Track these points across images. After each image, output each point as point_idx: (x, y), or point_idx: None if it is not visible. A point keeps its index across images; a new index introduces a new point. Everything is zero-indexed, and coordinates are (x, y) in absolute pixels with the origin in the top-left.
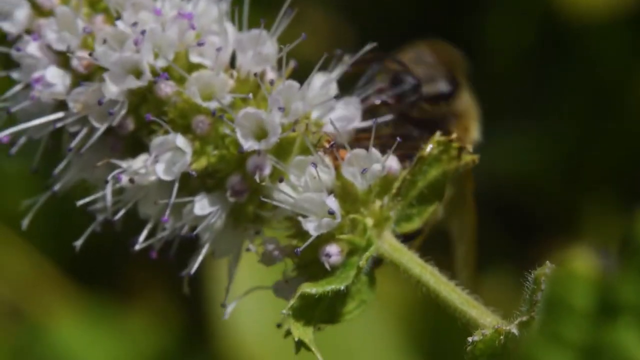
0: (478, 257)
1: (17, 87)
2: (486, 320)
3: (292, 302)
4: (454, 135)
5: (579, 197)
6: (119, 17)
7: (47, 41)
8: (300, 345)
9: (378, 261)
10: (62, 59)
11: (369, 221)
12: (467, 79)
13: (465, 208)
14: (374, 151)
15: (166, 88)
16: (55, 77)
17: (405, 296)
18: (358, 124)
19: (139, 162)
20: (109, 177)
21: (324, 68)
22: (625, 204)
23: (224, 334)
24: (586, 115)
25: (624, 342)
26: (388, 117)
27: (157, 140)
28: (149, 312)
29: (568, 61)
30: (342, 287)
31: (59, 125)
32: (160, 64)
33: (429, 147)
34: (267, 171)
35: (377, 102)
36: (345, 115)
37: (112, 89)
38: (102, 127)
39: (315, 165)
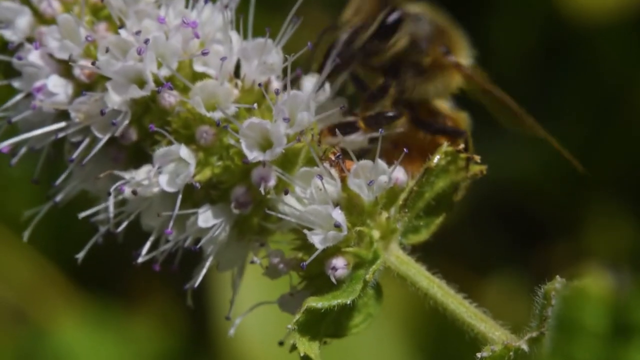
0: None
1: (19, 96)
2: (495, 334)
3: (297, 316)
4: (461, 146)
5: (582, 201)
6: (122, 25)
7: (48, 49)
8: None
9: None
10: (64, 68)
11: (376, 233)
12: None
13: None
14: (380, 162)
15: (170, 98)
16: (57, 87)
17: (411, 300)
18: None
19: (142, 174)
20: (112, 189)
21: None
22: (630, 207)
23: (227, 339)
24: (590, 118)
25: None
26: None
27: (160, 151)
28: (152, 316)
29: (572, 64)
30: (349, 301)
31: (60, 135)
32: (164, 73)
33: (436, 158)
34: (272, 182)
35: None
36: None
37: (114, 99)
38: (104, 138)
39: (321, 177)
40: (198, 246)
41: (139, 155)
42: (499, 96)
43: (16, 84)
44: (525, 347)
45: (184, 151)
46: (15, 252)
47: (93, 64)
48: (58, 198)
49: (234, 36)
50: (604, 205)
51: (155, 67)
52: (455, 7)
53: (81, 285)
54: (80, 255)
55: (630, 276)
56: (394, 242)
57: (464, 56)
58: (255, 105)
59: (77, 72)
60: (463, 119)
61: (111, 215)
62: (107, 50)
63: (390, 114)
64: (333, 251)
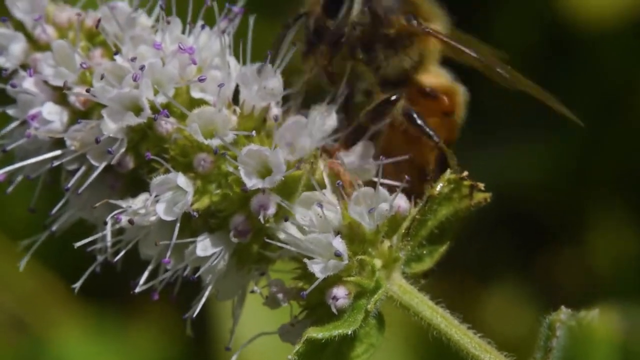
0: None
1: (13, 124)
2: None
3: (298, 347)
4: (465, 174)
5: (586, 206)
6: (117, 51)
7: (43, 76)
8: None
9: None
10: (59, 95)
11: (378, 262)
12: None
13: None
14: (382, 190)
15: (166, 125)
16: (52, 114)
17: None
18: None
19: (139, 202)
20: (108, 218)
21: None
22: (634, 212)
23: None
24: (591, 120)
25: None
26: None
27: (157, 180)
28: (153, 325)
29: (573, 65)
30: (350, 332)
31: (56, 163)
32: (160, 100)
33: (439, 186)
34: (271, 210)
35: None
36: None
37: (110, 126)
38: (100, 166)
39: (321, 204)
40: (196, 275)
41: (136, 183)
42: (480, 59)
43: (11, 111)
44: None
45: (182, 179)
46: (16, 260)
47: (88, 91)
48: (54, 227)
49: (232, 61)
50: (607, 211)
51: (151, 94)
52: (458, 5)
53: (81, 294)
54: (77, 285)
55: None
56: (396, 271)
57: (437, 22)
58: (254, 132)
59: (72, 99)
60: (457, 92)
61: (109, 244)
62: (102, 77)
63: (393, 97)
64: (334, 280)
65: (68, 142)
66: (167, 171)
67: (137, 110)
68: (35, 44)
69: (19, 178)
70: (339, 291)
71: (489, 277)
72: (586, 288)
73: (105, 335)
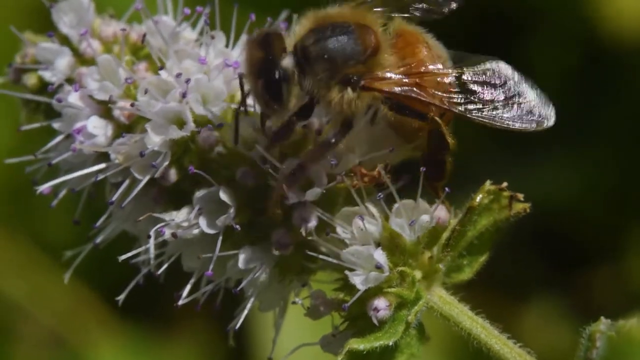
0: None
1: (59, 138)
2: None
3: (340, 358)
4: (504, 184)
5: (622, 224)
6: (162, 66)
7: (88, 91)
8: None
9: None
10: (104, 109)
11: (418, 274)
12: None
13: None
14: (422, 202)
15: (210, 138)
16: (97, 128)
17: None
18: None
19: (182, 215)
20: (152, 232)
21: None
22: None
23: None
24: (628, 141)
25: None
26: None
27: (200, 193)
28: (190, 341)
29: (610, 86)
30: (391, 343)
31: (100, 177)
32: (203, 113)
33: (478, 197)
34: (312, 223)
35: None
36: None
37: (154, 140)
38: (144, 179)
39: (362, 217)
40: (239, 288)
41: (179, 196)
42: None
43: (56, 125)
44: None
45: (224, 193)
46: (54, 277)
47: (132, 105)
48: (98, 239)
49: None
50: None
51: (201, 109)
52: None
53: (119, 310)
54: (121, 298)
55: None
56: (436, 281)
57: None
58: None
59: (116, 113)
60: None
61: (152, 257)
62: (146, 91)
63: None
64: (375, 292)
65: (112, 156)
66: (209, 184)
67: (181, 123)
68: (81, 59)
69: (64, 192)
70: (380, 302)
71: (525, 295)
72: (623, 307)
73: (143, 352)
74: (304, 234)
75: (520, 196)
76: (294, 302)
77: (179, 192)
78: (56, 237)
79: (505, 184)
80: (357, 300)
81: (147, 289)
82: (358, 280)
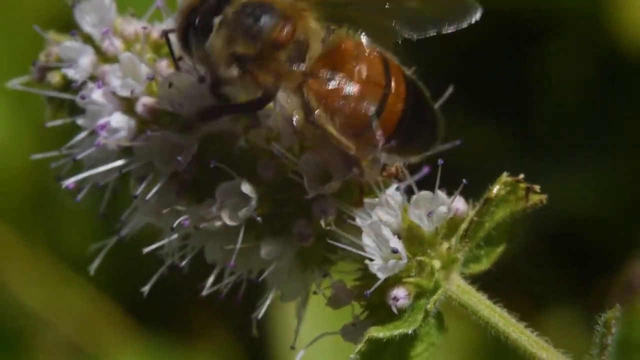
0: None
1: (83, 134)
2: None
3: (359, 346)
4: (521, 176)
5: None
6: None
7: (111, 88)
8: None
9: None
10: (127, 105)
11: (437, 263)
12: None
13: None
14: (440, 193)
15: (235, 132)
16: (120, 123)
17: (472, 329)
18: None
19: (204, 208)
20: (175, 224)
21: None
22: None
23: None
24: None
25: None
26: None
27: (222, 186)
28: (210, 352)
29: (628, 95)
30: (410, 331)
31: (124, 171)
32: None
33: (495, 188)
34: (332, 215)
35: None
36: None
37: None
38: (167, 173)
39: (381, 207)
40: (261, 278)
41: (201, 189)
42: None
43: (80, 121)
44: None
45: (246, 186)
46: (73, 286)
47: (158, 100)
48: (123, 232)
49: None
50: None
51: None
52: (513, 38)
53: (139, 319)
54: (146, 289)
55: None
56: (455, 271)
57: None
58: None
59: (139, 108)
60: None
61: (175, 249)
62: (170, 85)
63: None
64: (394, 281)
65: (136, 151)
66: (231, 177)
67: None
68: (103, 57)
69: (88, 186)
70: (399, 292)
71: (544, 304)
72: None
73: None
74: (323, 225)
75: (537, 188)
76: (315, 292)
77: (202, 185)
78: (75, 247)
79: (521, 176)
80: (377, 290)
81: (166, 299)
82: (376, 267)
